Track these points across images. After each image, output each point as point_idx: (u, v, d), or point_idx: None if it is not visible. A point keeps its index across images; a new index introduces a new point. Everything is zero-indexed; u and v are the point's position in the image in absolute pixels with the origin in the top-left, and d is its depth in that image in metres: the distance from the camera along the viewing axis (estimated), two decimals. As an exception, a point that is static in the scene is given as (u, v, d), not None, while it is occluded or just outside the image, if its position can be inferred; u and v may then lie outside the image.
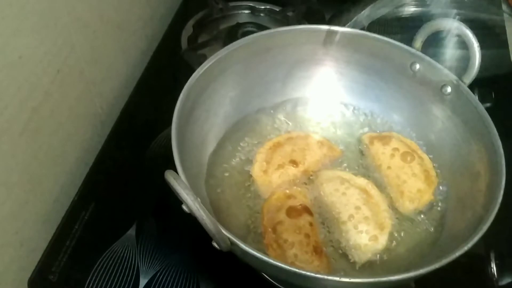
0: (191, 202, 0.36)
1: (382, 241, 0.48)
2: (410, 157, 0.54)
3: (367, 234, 0.48)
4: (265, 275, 0.50)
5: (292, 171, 0.53)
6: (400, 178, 0.52)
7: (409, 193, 0.51)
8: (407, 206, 0.51)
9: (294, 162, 0.54)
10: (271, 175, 0.53)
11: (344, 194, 0.51)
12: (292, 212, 0.50)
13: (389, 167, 0.53)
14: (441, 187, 0.53)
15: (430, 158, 0.55)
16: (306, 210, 0.50)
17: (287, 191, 0.52)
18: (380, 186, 0.53)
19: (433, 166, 0.54)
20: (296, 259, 0.46)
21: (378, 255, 0.48)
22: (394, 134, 0.57)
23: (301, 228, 0.49)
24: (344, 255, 0.48)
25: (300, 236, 0.48)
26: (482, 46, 0.50)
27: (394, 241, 0.49)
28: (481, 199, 0.45)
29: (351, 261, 0.48)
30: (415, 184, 0.52)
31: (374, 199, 0.51)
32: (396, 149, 0.54)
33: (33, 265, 0.50)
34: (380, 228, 0.48)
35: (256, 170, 0.53)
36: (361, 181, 0.52)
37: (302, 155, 0.55)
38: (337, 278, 0.36)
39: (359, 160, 0.56)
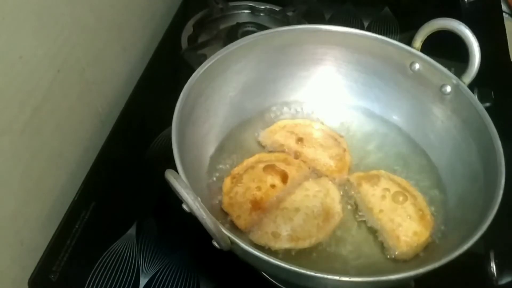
0: (191, 202, 0.36)
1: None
2: (402, 197, 0.50)
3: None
4: (265, 274, 0.50)
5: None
6: (395, 222, 0.49)
7: (405, 237, 0.48)
8: (405, 252, 0.47)
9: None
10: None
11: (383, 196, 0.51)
12: (269, 169, 0.52)
13: (381, 210, 0.50)
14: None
15: (429, 157, 0.55)
16: (283, 177, 0.51)
17: (290, 156, 0.54)
18: (374, 230, 0.50)
19: (427, 205, 0.51)
20: (232, 201, 0.49)
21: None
22: (382, 173, 0.53)
23: (261, 180, 0.50)
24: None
25: (253, 185, 0.50)
26: (481, 46, 0.50)
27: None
28: (481, 199, 0.45)
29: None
30: (411, 227, 0.48)
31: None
32: (386, 189, 0.51)
33: (33, 265, 0.51)
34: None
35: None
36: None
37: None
38: (337, 277, 0.36)
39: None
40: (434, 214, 0.51)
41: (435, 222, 0.50)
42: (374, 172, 0.54)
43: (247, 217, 0.49)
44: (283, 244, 0.47)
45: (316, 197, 0.51)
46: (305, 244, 0.47)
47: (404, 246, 0.47)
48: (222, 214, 0.50)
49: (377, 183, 0.52)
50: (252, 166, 0.53)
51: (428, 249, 0.48)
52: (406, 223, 0.49)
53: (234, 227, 0.49)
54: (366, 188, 0.52)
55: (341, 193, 0.53)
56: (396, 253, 0.48)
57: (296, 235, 0.48)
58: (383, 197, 0.51)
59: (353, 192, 0.53)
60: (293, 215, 0.49)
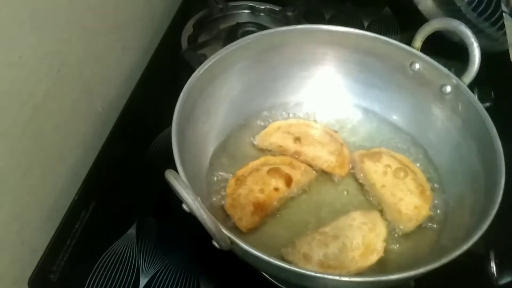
0: (191, 202, 0.36)
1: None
2: (403, 173, 0.52)
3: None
4: (265, 274, 0.50)
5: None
6: (396, 196, 0.51)
7: (407, 210, 0.50)
8: (406, 225, 0.49)
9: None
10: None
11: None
12: (274, 172, 0.52)
13: (383, 186, 0.52)
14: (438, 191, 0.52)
15: (429, 157, 0.55)
16: (287, 180, 0.51)
17: (296, 160, 0.54)
18: (376, 205, 0.52)
19: (427, 179, 0.53)
20: (234, 202, 0.49)
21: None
22: (383, 150, 0.56)
23: (264, 182, 0.50)
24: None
25: (256, 187, 0.50)
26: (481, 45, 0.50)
27: (395, 240, 0.49)
28: (481, 198, 0.45)
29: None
30: (412, 201, 0.51)
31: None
32: (388, 165, 0.53)
33: (33, 265, 0.51)
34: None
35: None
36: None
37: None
38: (337, 277, 0.36)
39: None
40: (434, 210, 0.51)
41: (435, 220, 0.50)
42: (376, 149, 0.56)
43: (248, 219, 0.49)
44: (312, 267, 0.45)
45: (360, 229, 0.49)
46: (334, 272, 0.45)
47: (406, 220, 0.49)
48: (223, 214, 0.50)
49: (379, 160, 0.54)
50: (257, 169, 0.53)
51: (429, 248, 0.48)
52: (407, 197, 0.51)
53: (235, 227, 0.49)
54: (368, 164, 0.54)
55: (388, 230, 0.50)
56: (399, 226, 0.49)
57: (328, 263, 0.46)
58: (385, 173, 0.53)
59: (356, 170, 0.54)
60: (330, 242, 0.47)
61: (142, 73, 0.71)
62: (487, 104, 0.63)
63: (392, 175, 0.53)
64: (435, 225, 0.50)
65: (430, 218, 0.51)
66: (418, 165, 0.55)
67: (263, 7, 0.81)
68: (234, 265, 0.46)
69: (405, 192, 0.51)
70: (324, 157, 0.55)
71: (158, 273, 0.50)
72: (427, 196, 0.51)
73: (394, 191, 0.52)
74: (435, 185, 0.53)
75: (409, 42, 0.55)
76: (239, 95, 0.57)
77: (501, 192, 0.42)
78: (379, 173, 0.53)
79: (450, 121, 0.54)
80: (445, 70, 0.53)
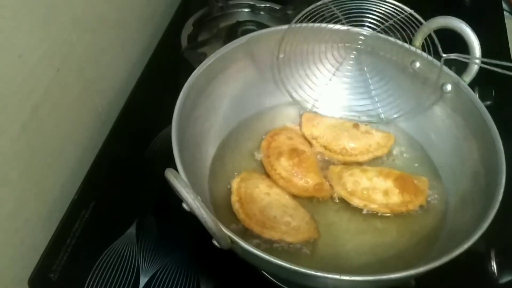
0: (191, 201, 0.36)
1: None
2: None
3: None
4: (265, 273, 0.50)
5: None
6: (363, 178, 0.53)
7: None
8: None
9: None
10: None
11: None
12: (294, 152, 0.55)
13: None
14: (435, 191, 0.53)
15: (429, 156, 0.56)
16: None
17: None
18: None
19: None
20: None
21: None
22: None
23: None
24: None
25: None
26: (482, 44, 0.50)
27: (394, 240, 0.49)
28: (482, 197, 0.45)
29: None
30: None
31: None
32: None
33: (33, 264, 0.50)
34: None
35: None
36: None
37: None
38: (337, 276, 0.36)
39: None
40: (434, 209, 0.51)
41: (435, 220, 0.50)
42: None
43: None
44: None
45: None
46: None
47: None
48: (223, 213, 0.50)
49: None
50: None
51: (429, 247, 0.48)
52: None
53: (237, 227, 0.49)
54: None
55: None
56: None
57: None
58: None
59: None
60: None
61: (141, 72, 0.71)
62: (488, 103, 0.63)
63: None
64: (435, 224, 0.50)
65: (431, 217, 0.51)
66: (417, 164, 0.56)
67: (263, 5, 0.81)
68: (234, 264, 0.46)
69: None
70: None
71: (158, 272, 0.50)
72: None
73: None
74: (435, 183, 0.53)
75: (409, 41, 0.55)
76: (239, 94, 0.57)
77: (501, 191, 0.42)
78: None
79: (450, 120, 0.54)
80: (445, 68, 0.53)
